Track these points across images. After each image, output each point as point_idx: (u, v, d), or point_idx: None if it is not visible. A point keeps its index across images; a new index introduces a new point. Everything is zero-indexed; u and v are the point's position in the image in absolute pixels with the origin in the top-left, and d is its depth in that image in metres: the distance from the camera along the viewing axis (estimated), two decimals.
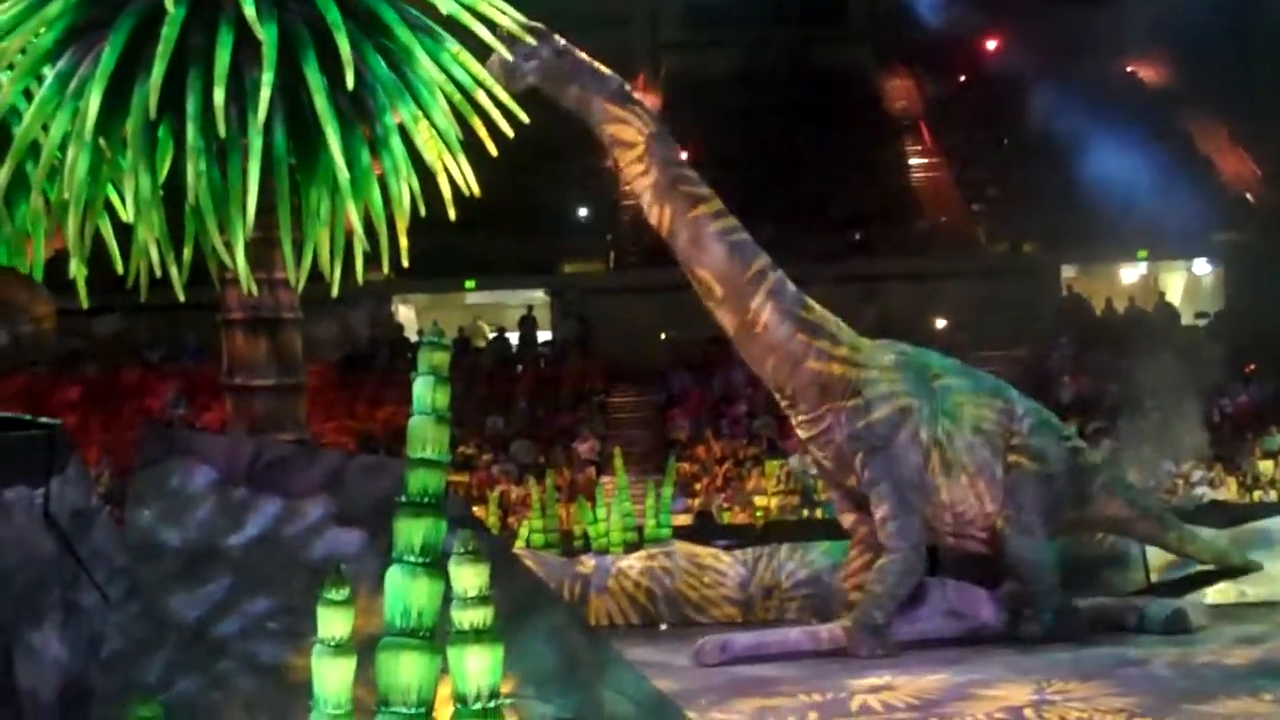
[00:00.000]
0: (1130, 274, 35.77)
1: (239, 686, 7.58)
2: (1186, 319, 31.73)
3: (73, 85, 8.47)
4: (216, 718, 7.48)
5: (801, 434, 14.17)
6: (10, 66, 8.66)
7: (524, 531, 17.99)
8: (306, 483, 8.26)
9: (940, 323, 31.50)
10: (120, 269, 8.99)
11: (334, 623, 5.11)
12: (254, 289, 8.79)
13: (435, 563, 5.07)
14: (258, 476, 8.24)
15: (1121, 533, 15.67)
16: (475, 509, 19.11)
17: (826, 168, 37.25)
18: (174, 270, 8.65)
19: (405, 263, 9.33)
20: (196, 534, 8.08)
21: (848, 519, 14.43)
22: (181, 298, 8.67)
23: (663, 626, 16.44)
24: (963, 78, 43.27)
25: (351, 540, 8.02)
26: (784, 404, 14.00)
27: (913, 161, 40.70)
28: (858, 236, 35.26)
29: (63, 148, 8.47)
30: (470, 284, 33.20)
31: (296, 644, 7.59)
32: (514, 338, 30.99)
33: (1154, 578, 16.04)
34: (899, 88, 44.74)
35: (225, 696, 7.54)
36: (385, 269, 9.46)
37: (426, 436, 5.24)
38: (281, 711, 7.48)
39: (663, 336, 30.24)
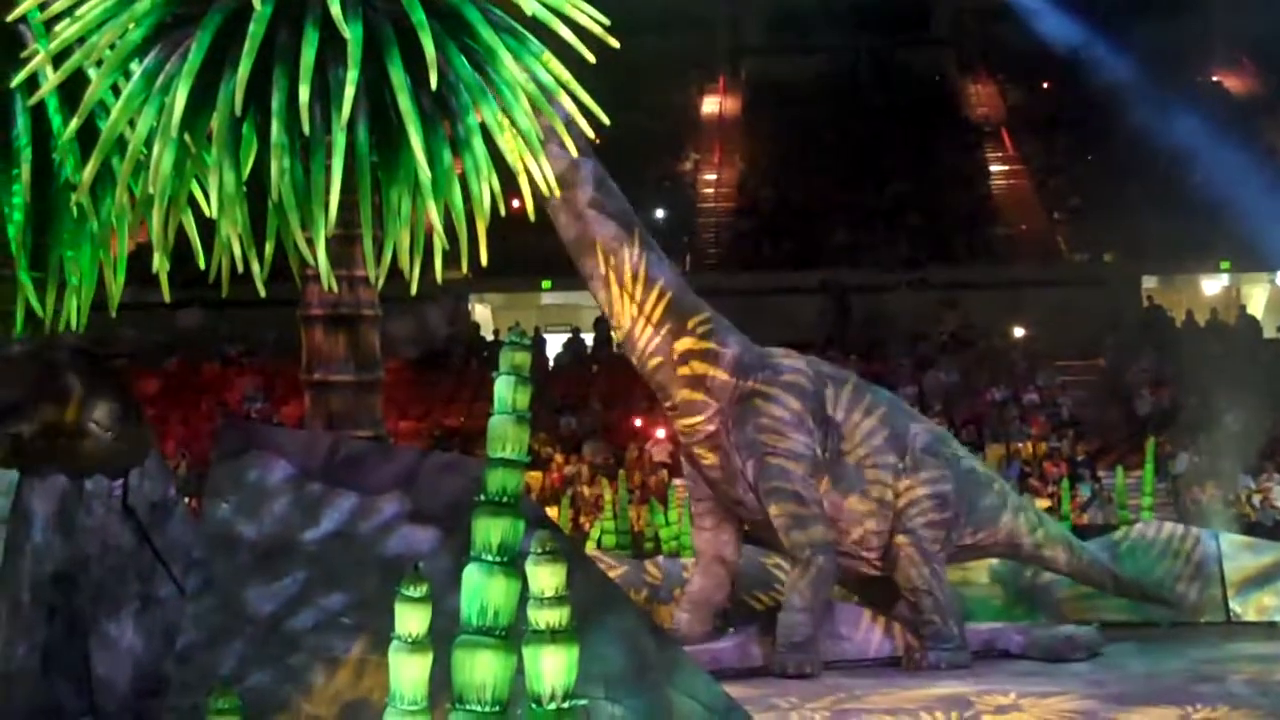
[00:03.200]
0: (1212, 285, 35.37)
1: (312, 680, 7.63)
2: (1269, 332, 31.34)
3: (160, 81, 8.56)
4: (290, 711, 7.53)
5: (684, 439, 13.34)
6: (98, 62, 8.75)
7: (595, 532, 18.01)
8: (382, 479, 8.31)
9: (1019, 331, 31.27)
10: (202, 264, 9.06)
11: (411, 619, 5.13)
12: (334, 285, 8.84)
13: (512, 562, 5.08)
14: (334, 472, 8.29)
15: (1020, 558, 14.86)
16: (547, 509, 19.16)
17: (907, 174, 37.09)
18: (255, 266, 8.71)
19: (484, 262, 9.36)
20: (272, 528, 8.14)
21: (703, 535, 13.60)
22: (262, 293, 8.73)
23: (730, 630, 16.39)
24: (1046, 85, 42.94)
25: (425, 538, 8.06)
26: (668, 408, 13.36)
27: (994, 169, 40.44)
28: (938, 243, 35.03)
29: (149, 143, 8.55)
30: (546, 284, 33.32)
31: (370, 639, 7.63)
32: (589, 338, 31.07)
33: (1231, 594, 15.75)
34: (981, 94, 44.49)
35: (299, 690, 7.58)
36: (464, 268, 9.49)
37: (506, 436, 5.26)
38: (355, 707, 7.52)
39: None
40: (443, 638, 5.18)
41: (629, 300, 12.66)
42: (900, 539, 13.31)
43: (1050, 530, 14.54)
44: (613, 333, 12.66)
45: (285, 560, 8.04)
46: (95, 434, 7.07)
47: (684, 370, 12.86)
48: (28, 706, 8.52)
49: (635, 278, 12.69)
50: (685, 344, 12.88)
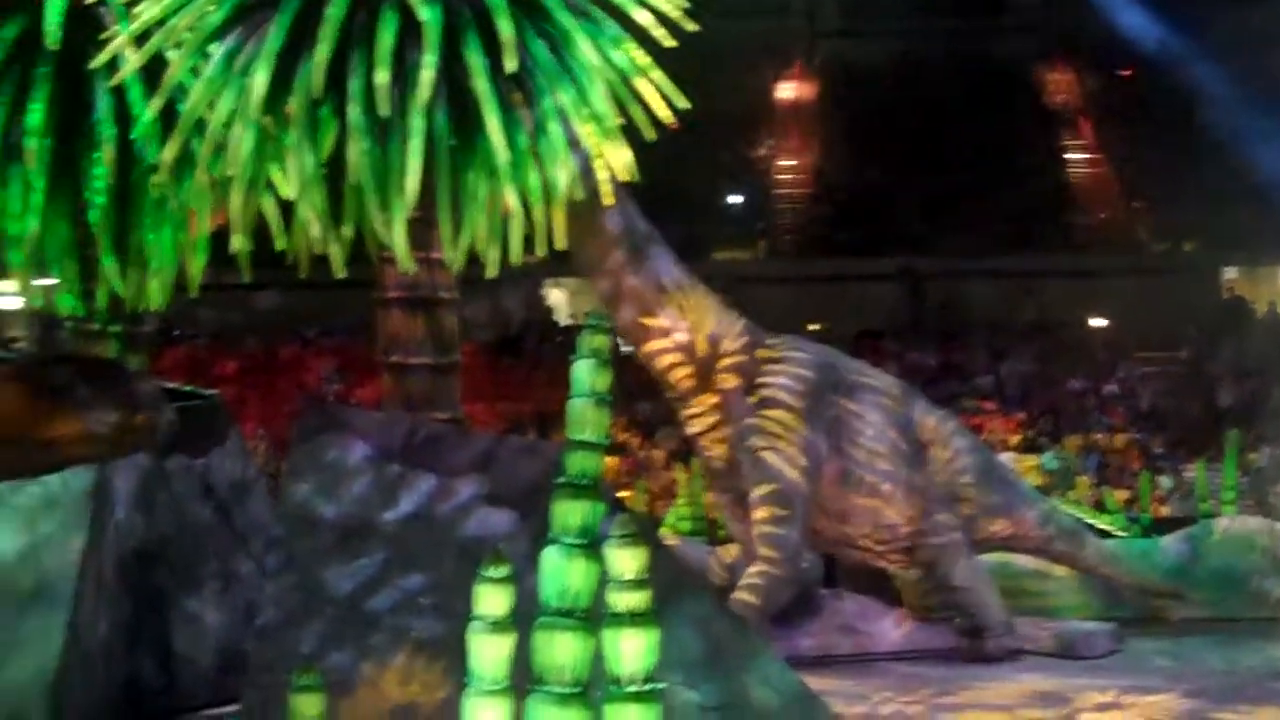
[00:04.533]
0: None
1: (391, 660, 7.68)
2: None
3: (239, 63, 8.61)
4: (368, 690, 7.58)
5: (690, 430, 12.95)
6: (178, 44, 8.82)
7: (669, 518, 18.00)
8: (459, 462, 8.34)
9: (1097, 321, 31.00)
10: (281, 245, 9.12)
11: (492, 600, 5.15)
12: (412, 268, 8.88)
13: (592, 545, 5.09)
14: (412, 454, 8.33)
15: (1032, 551, 14.54)
16: (623, 494, 19.18)
17: (984, 160, 36.82)
18: (334, 248, 8.75)
19: (560, 246, 9.36)
20: (351, 508, 8.18)
21: (734, 525, 13.15)
22: (341, 275, 8.77)
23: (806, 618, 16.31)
24: (1126, 72, 42.51)
25: (502, 521, 8.08)
26: (672, 398, 12.93)
27: (1073, 156, 40.08)
28: (1016, 231, 34.78)
29: (228, 125, 8.61)
30: None
31: (447, 620, 7.67)
32: None
33: None
34: (1059, 80, 44.08)
35: (377, 669, 7.63)
36: (540, 252, 9.50)
37: (586, 419, 5.26)
38: (436, 687, 7.56)
39: (812, 328, 30.13)
40: (520, 619, 5.19)
41: (631, 299, 12.33)
42: (924, 534, 13.07)
43: (1063, 524, 14.28)
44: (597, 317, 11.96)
45: (364, 540, 8.09)
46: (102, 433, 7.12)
47: (684, 359, 12.53)
48: (110, 681, 8.64)
49: (645, 284, 12.39)
50: (684, 333, 12.53)
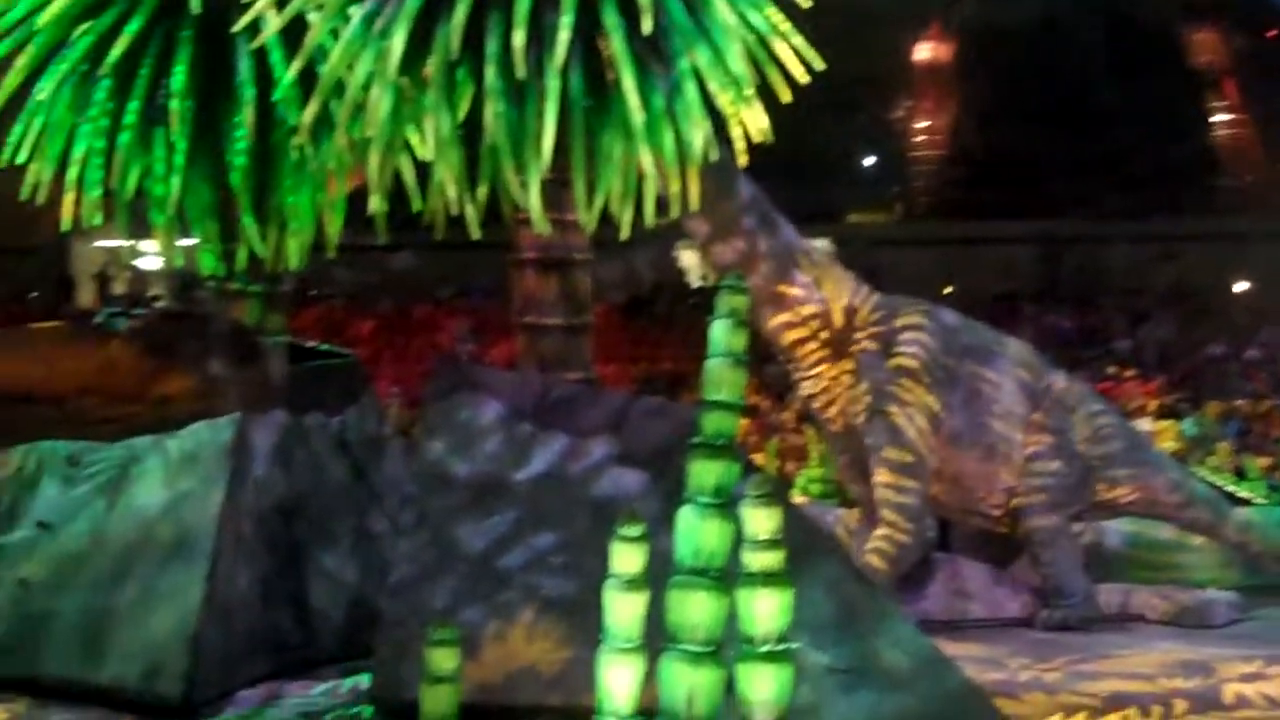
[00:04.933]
0: None
1: (522, 618, 7.75)
2: None
3: (378, 26, 8.66)
4: (499, 647, 7.66)
5: (809, 393, 12.98)
6: (319, 6, 8.89)
7: (801, 481, 17.94)
8: (591, 422, 8.38)
9: (1240, 285, 30.40)
10: (417, 206, 9.19)
11: (627, 558, 5.19)
12: (546, 229, 8.91)
13: (727, 505, 5.11)
14: (545, 413, 8.38)
15: (1163, 518, 14.20)
16: (753, 456, 19.15)
17: (1127, 122, 36.15)
18: (469, 209, 8.80)
19: (694, 207, 9.33)
20: (484, 466, 8.26)
21: (854, 487, 13.28)
22: (476, 236, 8.82)
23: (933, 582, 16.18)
24: (1272, 33, 41.50)
25: (634, 481, 8.11)
26: (785, 361, 12.71)
27: (1217, 119, 39.24)
28: (1157, 194, 34.14)
29: (366, 87, 8.68)
30: None
31: (579, 579, 7.72)
32: None
33: None
34: (1204, 41, 43.10)
35: (509, 627, 7.71)
36: (674, 213, 9.48)
37: (723, 379, 5.26)
38: (563, 644, 7.62)
39: (947, 291, 29.85)
40: (650, 579, 5.22)
41: (764, 266, 12.26)
42: (1024, 494, 12.91)
43: (1198, 491, 14.00)
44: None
45: (496, 499, 8.16)
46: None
47: (819, 327, 12.45)
48: (248, 634, 8.80)
49: (778, 250, 12.32)
50: (819, 301, 12.45)
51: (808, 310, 12.19)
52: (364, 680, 8.40)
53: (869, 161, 37.22)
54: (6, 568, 8.84)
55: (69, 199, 9.62)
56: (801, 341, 12.29)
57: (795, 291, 12.12)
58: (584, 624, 7.39)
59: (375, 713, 7.99)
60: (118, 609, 8.48)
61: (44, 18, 9.32)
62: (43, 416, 7.21)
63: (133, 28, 9.33)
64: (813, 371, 12.46)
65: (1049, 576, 12.72)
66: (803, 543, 7.07)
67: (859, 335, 12.35)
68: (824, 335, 12.30)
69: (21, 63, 9.41)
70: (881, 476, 12.19)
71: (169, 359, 6.98)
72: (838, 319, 12.27)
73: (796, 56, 8.97)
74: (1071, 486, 12.94)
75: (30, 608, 8.64)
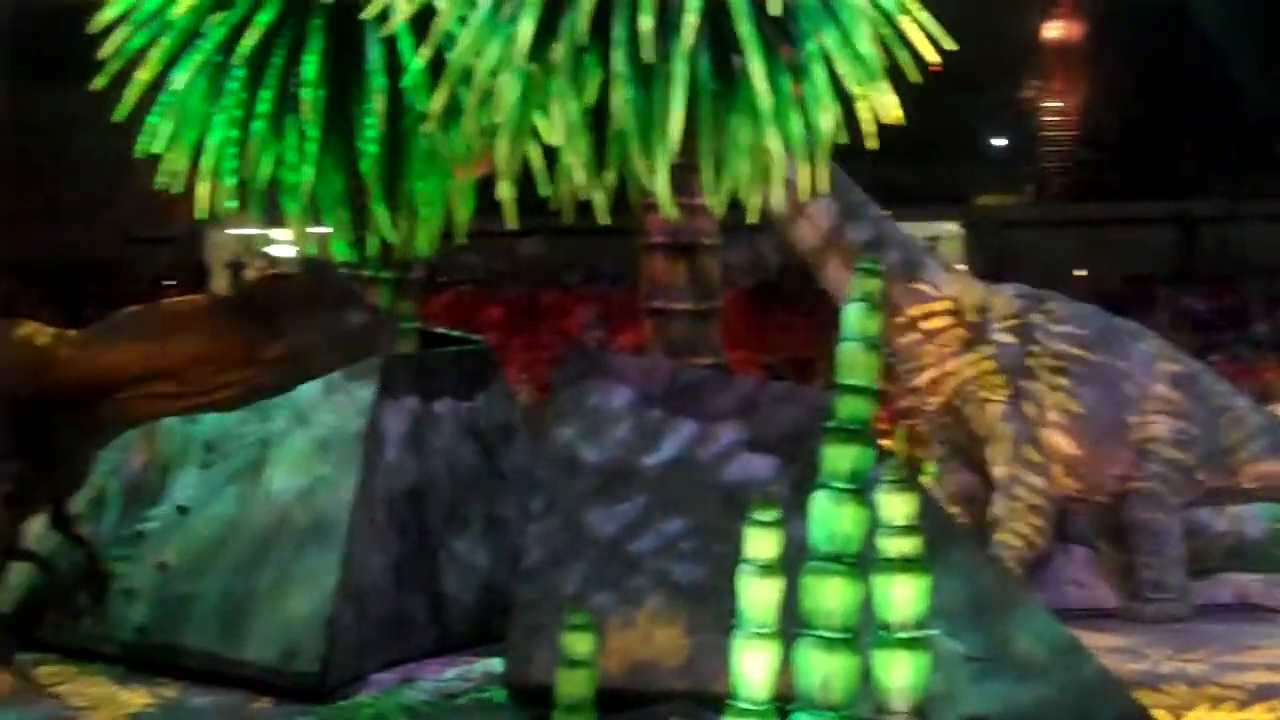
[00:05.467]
0: None
1: (651, 604, 7.75)
2: None
3: (506, 12, 8.68)
4: (629, 632, 7.66)
5: (903, 381, 12.71)
6: None
7: (930, 467, 17.78)
8: (720, 407, 8.36)
9: None
10: (545, 192, 9.21)
11: (761, 543, 5.18)
12: (674, 214, 8.88)
13: (862, 490, 5.06)
14: (673, 399, 8.38)
15: None
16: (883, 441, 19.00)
17: (1262, 100, 35.39)
18: (597, 194, 8.80)
19: (823, 191, 9.26)
20: (613, 452, 8.27)
21: (950, 476, 13.04)
22: (605, 221, 8.82)
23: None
24: None
25: (763, 466, 8.08)
26: (886, 353, 12.61)
27: None
28: None
29: (495, 74, 8.70)
30: None
31: (708, 565, 7.70)
32: None
33: None
34: None
35: (638, 613, 7.71)
36: (803, 197, 9.42)
37: (856, 363, 5.23)
38: (692, 630, 7.61)
39: (1079, 273, 29.41)
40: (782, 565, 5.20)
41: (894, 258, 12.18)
42: (1134, 480, 12.67)
43: None
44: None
45: (626, 484, 8.17)
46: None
47: (952, 322, 12.33)
48: (382, 618, 8.89)
49: (905, 244, 12.29)
50: (952, 297, 12.34)
51: (943, 305, 12.12)
52: (495, 664, 8.45)
53: (999, 142, 36.73)
54: (146, 552, 9.00)
55: (203, 188, 9.77)
56: (936, 331, 12.20)
57: (924, 287, 12.06)
58: (713, 610, 7.38)
59: (507, 696, 8.04)
60: (255, 593, 8.59)
61: (178, 10, 9.47)
62: (159, 392, 7.31)
63: (265, 18, 9.45)
64: (922, 362, 12.37)
65: (1149, 568, 12.48)
66: (936, 529, 7.00)
67: (996, 328, 12.25)
68: (959, 328, 12.21)
69: (156, 55, 9.56)
70: (1014, 470, 12.07)
71: (276, 319, 7.05)
72: (971, 311, 12.17)
73: (925, 36, 8.86)
74: (1186, 477, 12.71)
75: (170, 591, 8.79)
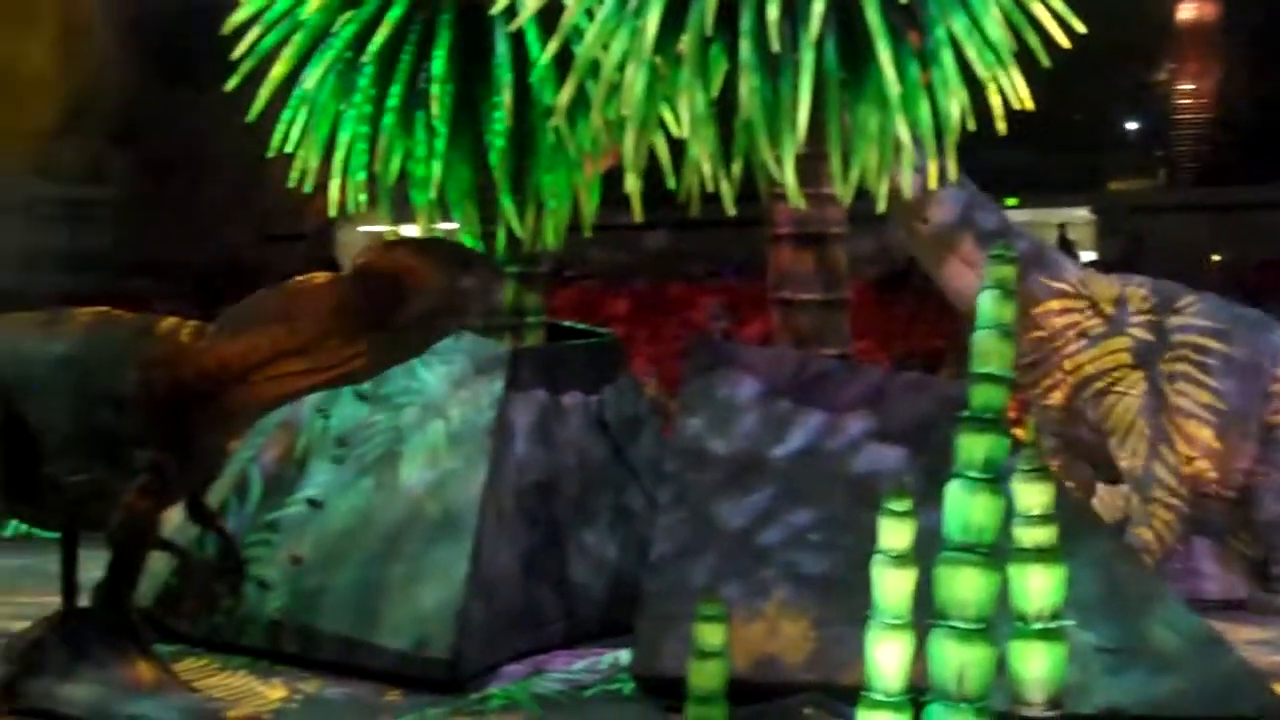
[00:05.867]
0: None
1: (779, 595, 7.72)
2: None
3: (632, 4, 8.69)
4: (758, 624, 7.65)
5: (1020, 377, 12.41)
6: None
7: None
8: (849, 397, 8.32)
9: None
10: (671, 184, 9.21)
11: (895, 534, 5.14)
12: (802, 204, 8.85)
13: (997, 479, 5.01)
14: (801, 389, 8.35)
15: None
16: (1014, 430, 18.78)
17: None
18: (724, 185, 8.79)
19: (951, 178, 9.19)
20: (742, 443, 8.26)
21: (1071, 472, 12.82)
22: (731, 212, 8.80)
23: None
24: None
25: (892, 456, 8.03)
26: (1032, 354, 12.36)
27: None
28: None
29: (622, 66, 8.72)
30: (1011, 201, 32.55)
31: (837, 556, 7.67)
32: None
33: None
34: None
35: (768, 603, 7.69)
36: (932, 185, 9.34)
37: (991, 351, 5.17)
38: (821, 622, 7.58)
39: (1214, 258, 28.90)
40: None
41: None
42: (1261, 471, 12.42)
43: None
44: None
45: (754, 476, 8.15)
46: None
47: (1089, 317, 12.15)
48: (511, 610, 8.94)
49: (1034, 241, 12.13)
50: (1087, 291, 12.16)
51: (1077, 300, 11.99)
52: (624, 656, 8.47)
53: (1131, 127, 36.20)
54: (280, 544, 9.11)
55: (334, 184, 9.89)
56: (1069, 326, 12.06)
57: (1059, 284, 11.94)
58: (841, 602, 7.35)
59: (636, 688, 8.05)
60: (386, 585, 8.67)
61: (309, 8, 9.58)
62: (290, 371, 7.39)
63: (394, 15, 9.55)
64: (1046, 356, 12.22)
65: (1278, 561, 12.28)
66: (1070, 519, 6.91)
67: (1131, 321, 12.09)
68: (1095, 321, 12.06)
69: (288, 53, 9.69)
70: (1149, 465, 11.90)
71: (394, 285, 7.11)
72: (1107, 305, 12.02)
73: (1056, 20, 8.74)
74: None
75: (303, 584, 8.89)
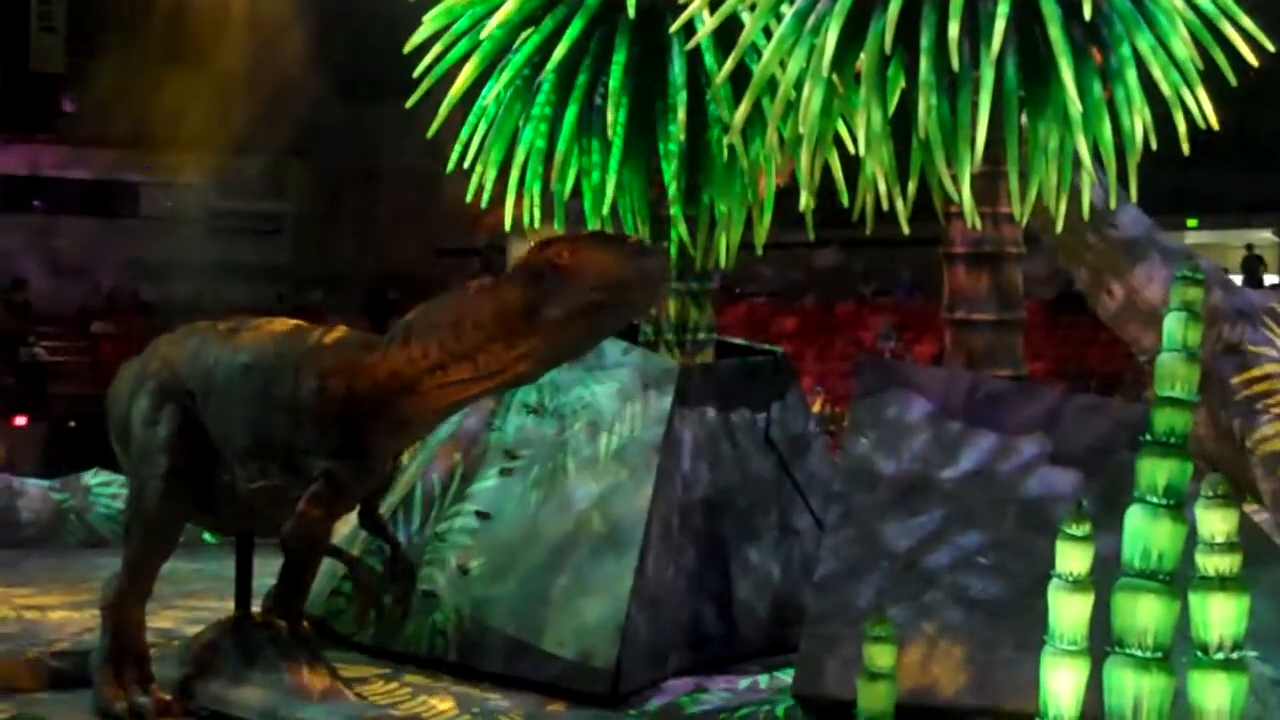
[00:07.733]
0: None
1: (947, 619, 7.62)
2: None
3: (810, 22, 8.67)
4: (925, 647, 7.55)
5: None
6: (752, 6, 8.97)
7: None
8: (1022, 420, 8.18)
9: None
10: (845, 202, 9.15)
11: (1072, 557, 5.05)
12: (978, 223, 8.74)
13: (1179, 505, 4.90)
14: (973, 411, 8.23)
15: None
16: None
17: None
18: (900, 203, 8.71)
19: (1132, 198, 9.02)
20: (911, 464, 8.16)
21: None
22: (906, 231, 8.73)
23: None
24: None
25: (1066, 480, 7.88)
26: (1142, 360, 12.00)
27: None
28: None
29: (799, 84, 8.69)
30: (1192, 223, 31.83)
31: (1006, 580, 7.54)
32: (1237, 279, 29.46)
33: None
34: None
35: (935, 627, 7.59)
36: (1111, 205, 9.17)
37: (1176, 374, 5.06)
38: (988, 646, 7.45)
39: None
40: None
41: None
42: None
43: None
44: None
45: (923, 497, 8.05)
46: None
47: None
48: (675, 625, 8.94)
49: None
50: (1157, 295, 11.79)
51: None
52: (786, 675, 8.41)
53: None
54: (448, 555, 9.19)
55: (510, 199, 9.96)
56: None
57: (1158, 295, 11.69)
58: (1008, 626, 7.23)
59: (797, 708, 7.99)
60: (552, 598, 8.71)
61: (490, 25, 9.66)
62: (457, 379, 7.43)
63: (574, 31, 9.59)
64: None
65: None
66: (1246, 548, 6.74)
67: (1220, 333, 11.85)
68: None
69: (468, 70, 9.78)
70: (1262, 482, 11.68)
71: (552, 281, 7.08)
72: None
73: (1245, 38, 8.54)
74: None
75: (469, 594, 8.96)
